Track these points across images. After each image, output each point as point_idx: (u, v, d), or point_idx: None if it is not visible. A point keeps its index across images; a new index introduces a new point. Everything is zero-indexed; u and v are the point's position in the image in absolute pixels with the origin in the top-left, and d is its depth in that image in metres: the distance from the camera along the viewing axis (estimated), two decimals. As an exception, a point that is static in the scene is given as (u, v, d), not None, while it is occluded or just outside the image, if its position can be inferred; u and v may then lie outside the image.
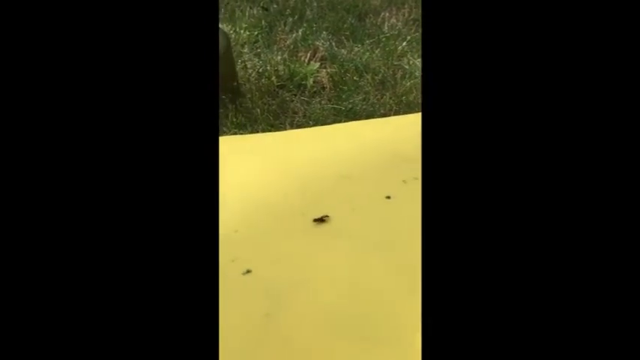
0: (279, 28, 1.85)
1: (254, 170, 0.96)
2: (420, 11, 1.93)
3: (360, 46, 1.76)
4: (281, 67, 1.64)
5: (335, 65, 1.67)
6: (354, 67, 1.65)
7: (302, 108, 1.52)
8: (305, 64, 1.67)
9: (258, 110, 1.46)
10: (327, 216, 0.84)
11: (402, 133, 1.02)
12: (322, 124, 1.36)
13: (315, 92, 1.58)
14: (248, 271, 0.74)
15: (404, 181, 0.88)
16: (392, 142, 1.01)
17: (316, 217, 0.84)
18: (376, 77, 1.62)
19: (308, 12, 1.93)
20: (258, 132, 1.35)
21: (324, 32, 1.81)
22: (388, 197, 0.86)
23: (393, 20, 1.92)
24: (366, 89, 1.57)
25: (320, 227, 0.83)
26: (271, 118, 1.46)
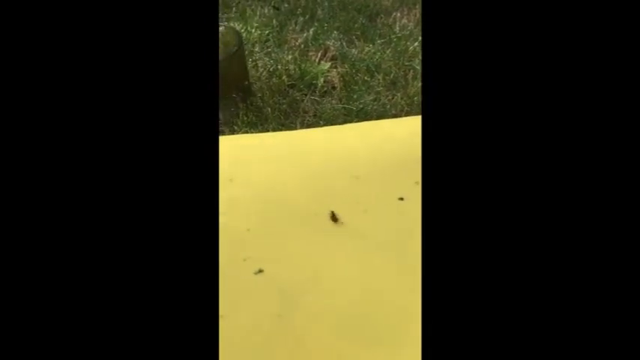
0: (290, 28, 1.84)
1: (265, 169, 0.95)
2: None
3: (371, 46, 1.76)
4: (292, 67, 1.64)
5: (346, 65, 1.66)
6: (365, 67, 1.65)
7: (312, 107, 1.51)
8: (316, 64, 1.66)
9: (269, 109, 1.46)
10: (337, 214, 0.83)
11: (414, 134, 1.01)
12: (333, 124, 1.35)
13: (325, 92, 1.57)
14: (260, 271, 0.74)
15: (417, 183, 0.87)
16: (404, 143, 1.00)
17: (331, 217, 0.83)
18: (387, 77, 1.61)
19: (319, 11, 1.92)
20: (268, 131, 1.35)
21: (335, 32, 1.81)
22: (401, 199, 0.85)
23: (405, 21, 1.91)
24: (377, 89, 1.56)
25: (332, 228, 0.82)
26: (282, 117, 1.45)
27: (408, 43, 1.75)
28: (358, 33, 1.82)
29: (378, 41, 1.77)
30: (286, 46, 1.77)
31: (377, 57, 1.70)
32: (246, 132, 1.34)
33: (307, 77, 1.60)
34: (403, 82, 1.60)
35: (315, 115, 1.48)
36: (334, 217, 0.82)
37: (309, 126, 1.42)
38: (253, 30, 1.80)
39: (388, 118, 1.39)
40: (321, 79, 1.59)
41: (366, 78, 1.61)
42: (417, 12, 1.95)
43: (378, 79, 1.60)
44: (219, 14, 1.72)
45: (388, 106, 1.49)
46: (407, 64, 1.68)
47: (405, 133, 1.13)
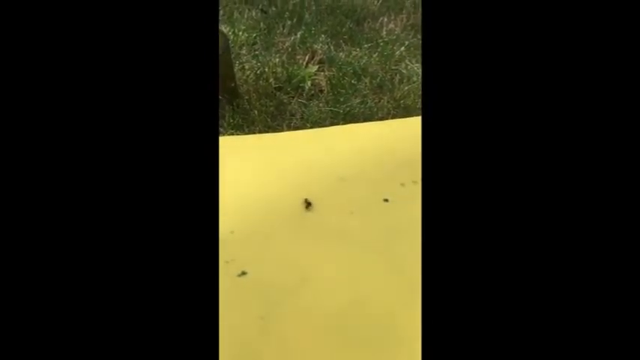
0: (278, 31, 1.84)
1: (250, 171, 0.95)
2: (418, 17, 1.94)
3: (358, 49, 1.76)
4: (279, 70, 1.64)
5: (333, 68, 1.66)
6: (352, 71, 1.65)
7: (299, 110, 1.51)
8: (303, 67, 1.66)
9: (256, 112, 1.45)
10: (310, 202, 0.82)
11: (400, 137, 1.01)
12: (320, 127, 1.35)
13: (312, 95, 1.57)
14: (243, 273, 0.73)
15: (402, 184, 0.87)
16: (390, 145, 1.00)
17: (305, 204, 0.82)
18: (374, 81, 1.61)
19: (307, 15, 1.92)
20: (254, 133, 1.34)
21: (323, 36, 1.81)
22: (386, 200, 0.85)
23: (392, 25, 1.91)
24: (364, 93, 1.56)
25: (317, 229, 0.81)
26: (268, 119, 1.45)
27: (395, 48, 1.76)
28: (345, 37, 1.82)
29: (365, 45, 1.78)
30: (274, 49, 1.76)
31: (364, 61, 1.70)
32: (232, 134, 1.33)
33: (294, 80, 1.60)
34: (390, 86, 1.60)
35: (302, 118, 1.47)
36: (307, 204, 0.82)
37: (295, 129, 1.42)
38: (240, 33, 1.80)
39: (375, 120, 1.39)
40: (309, 82, 1.59)
41: (353, 81, 1.61)
42: (404, 17, 1.96)
43: (365, 83, 1.61)
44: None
45: (375, 109, 1.49)
46: (393, 68, 1.68)
47: (392, 135, 1.13)
